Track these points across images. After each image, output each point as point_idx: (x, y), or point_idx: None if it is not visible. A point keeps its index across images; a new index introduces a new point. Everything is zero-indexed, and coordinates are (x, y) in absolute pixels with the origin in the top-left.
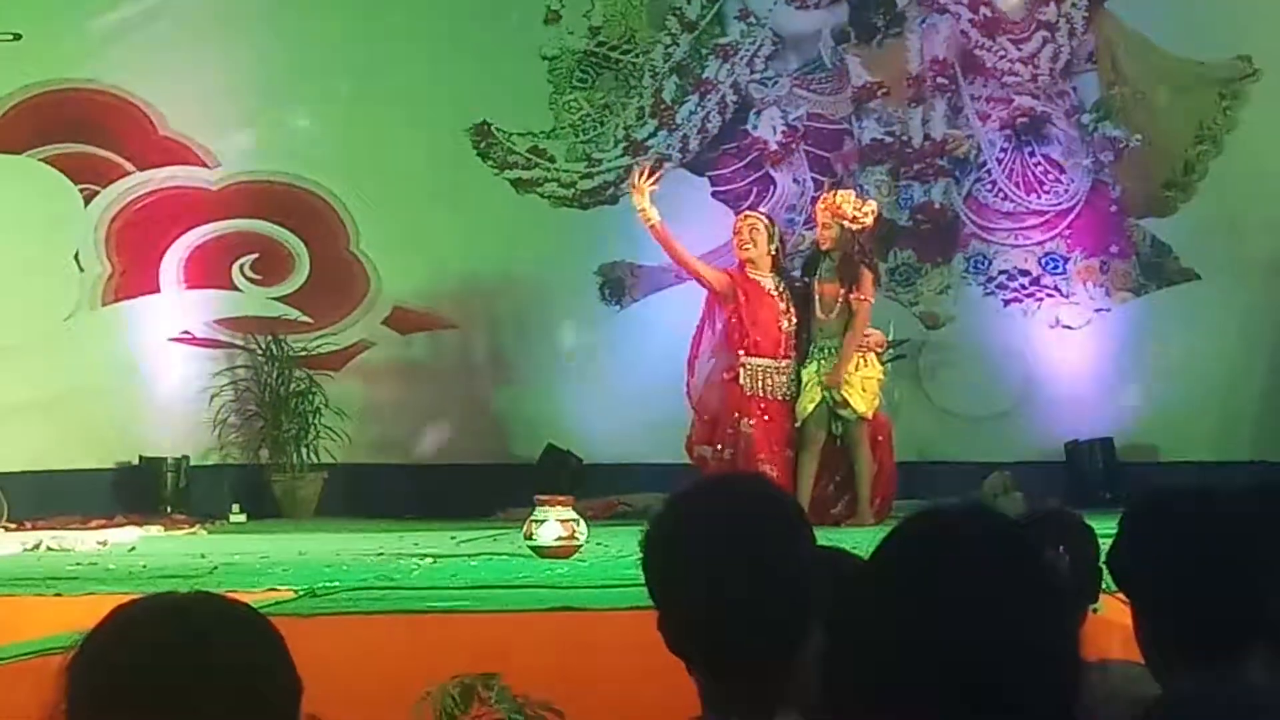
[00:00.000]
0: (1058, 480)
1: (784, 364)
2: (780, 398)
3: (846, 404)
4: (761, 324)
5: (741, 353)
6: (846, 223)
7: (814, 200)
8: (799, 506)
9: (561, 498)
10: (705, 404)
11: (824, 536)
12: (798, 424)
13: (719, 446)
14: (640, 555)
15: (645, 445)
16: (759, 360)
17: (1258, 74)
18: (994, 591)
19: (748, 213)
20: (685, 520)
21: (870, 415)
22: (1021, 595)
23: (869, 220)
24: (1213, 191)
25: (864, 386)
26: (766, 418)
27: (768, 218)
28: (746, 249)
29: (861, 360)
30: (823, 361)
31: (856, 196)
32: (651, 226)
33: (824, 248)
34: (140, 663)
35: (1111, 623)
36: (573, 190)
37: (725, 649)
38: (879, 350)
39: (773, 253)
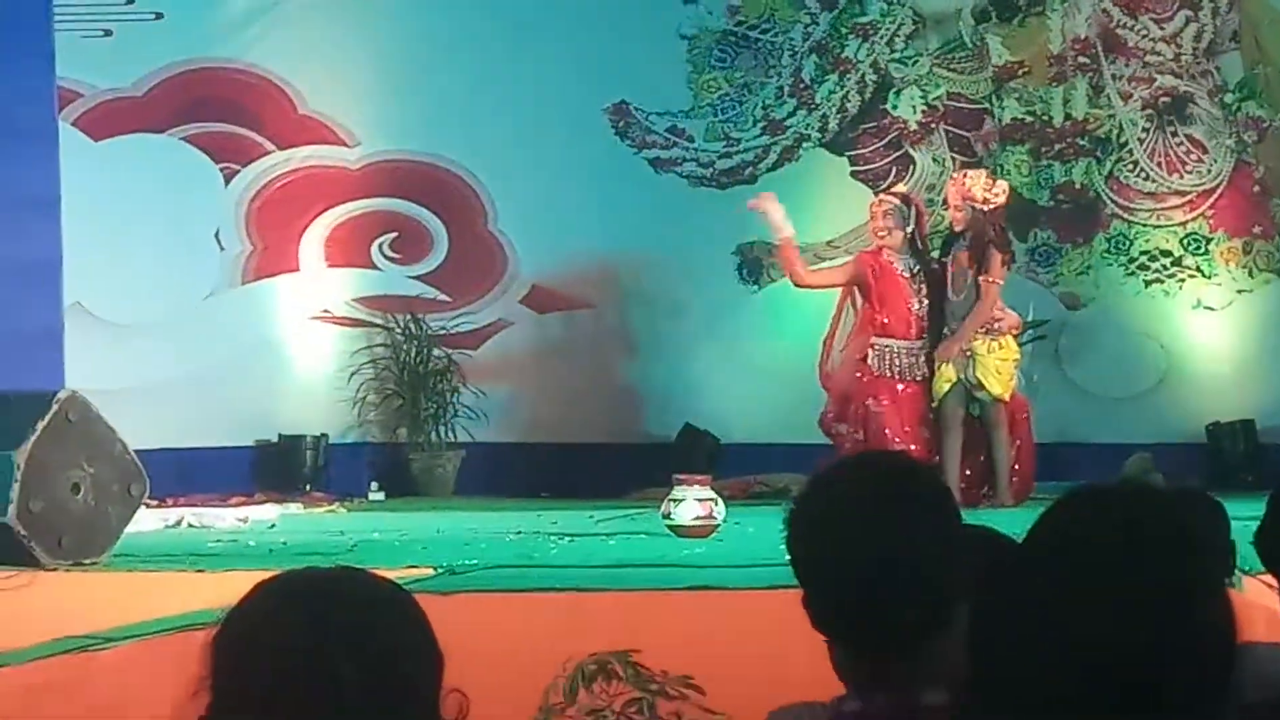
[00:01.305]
0: (1199, 462)
1: (915, 345)
2: (913, 378)
3: (982, 386)
4: (891, 304)
5: (872, 334)
6: (976, 204)
7: (951, 180)
8: (944, 484)
9: (699, 477)
10: (837, 383)
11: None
12: (934, 404)
13: (850, 427)
14: (784, 533)
15: (782, 425)
16: (887, 341)
17: None
18: (1156, 575)
19: (882, 196)
20: (831, 498)
21: (1007, 397)
22: (1182, 578)
23: (1000, 200)
24: None
25: (999, 369)
26: (896, 398)
27: (903, 198)
28: (882, 235)
29: (997, 343)
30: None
31: (987, 177)
32: (785, 241)
33: (956, 229)
34: (285, 637)
35: (1252, 604)
36: (711, 170)
37: (871, 627)
38: (1015, 332)
39: (909, 233)
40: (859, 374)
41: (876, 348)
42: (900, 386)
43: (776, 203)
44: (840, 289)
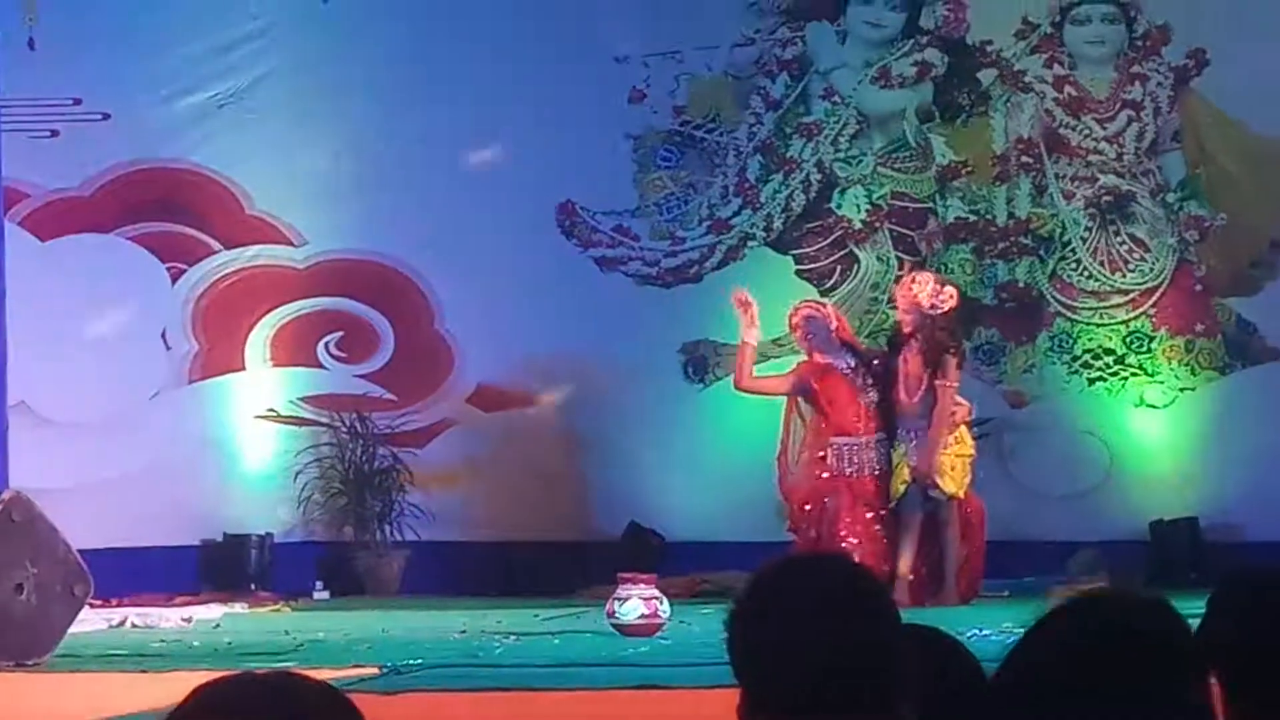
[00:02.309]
0: (1142, 560)
1: (870, 440)
2: (869, 474)
3: (936, 485)
4: (839, 405)
5: (829, 435)
6: (925, 311)
7: (898, 279)
8: (883, 585)
9: (644, 576)
10: (798, 491)
11: (909, 616)
12: (893, 504)
13: (805, 526)
14: (725, 633)
15: (728, 523)
16: (844, 439)
17: None
18: (1152, 669)
19: (795, 305)
20: (769, 597)
21: (961, 494)
22: (1183, 686)
23: (948, 306)
24: None
25: (953, 466)
26: (853, 496)
27: (816, 303)
28: (806, 343)
29: (953, 437)
30: (908, 445)
31: (935, 282)
32: (745, 345)
33: (905, 331)
34: None
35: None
36: (657, 269)
37: None
38: (968, 420)
39: (835, 331)
40: (819, 473)
41: (835, 446)
42: (856, 482)
43: (754, 304)
44: (786, 401)
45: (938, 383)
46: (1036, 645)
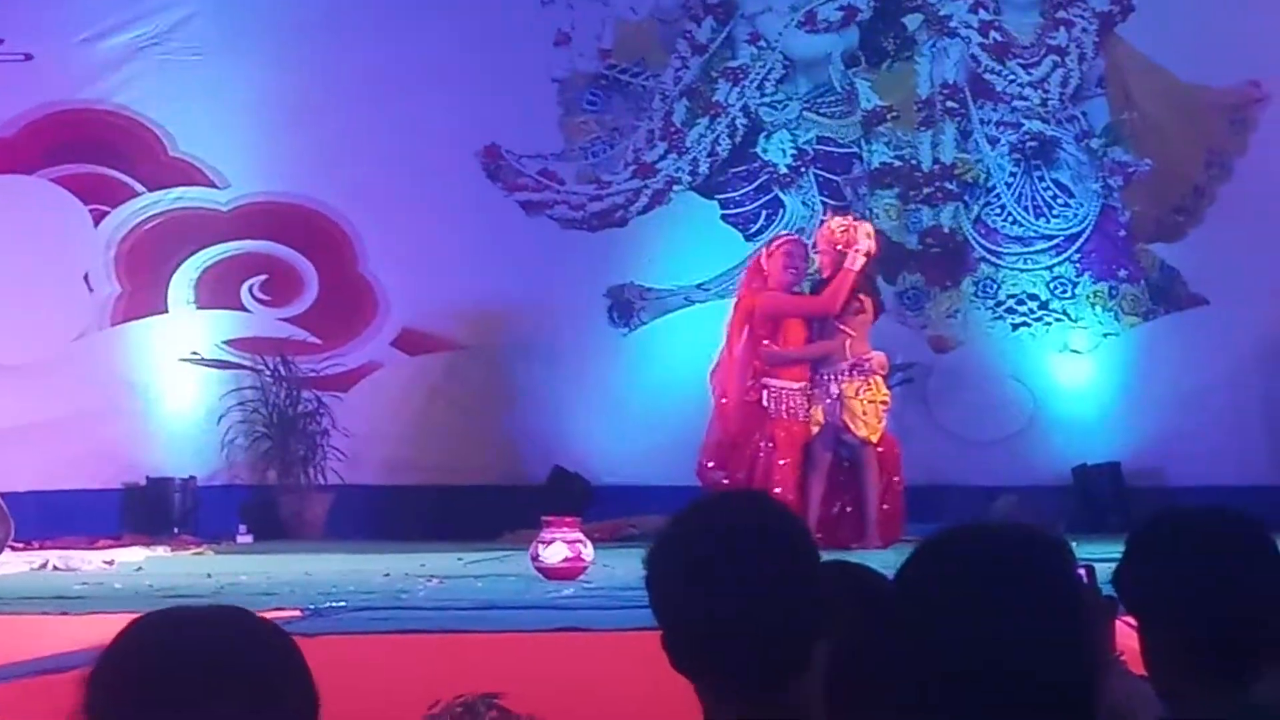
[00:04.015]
0: (1066, 504)
1: (805, 385)
2: (802, 418)
3: (849, 429)
4: (790, 343)
5: (764, 375)
6: (842, 248)
7: (821, 224)
8: (803, 524)
9: (568, 519)
10: (727, 422)
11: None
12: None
13: (733, 470)
14: (644, 573)
15: (653, 467)
16: (782, 382)
17: (1267, 98)
18: (1031, 605)
19: (793, 238)
20: (687, 538)
21: (875, 440)
22: (1056, 608)
23: (866, 246)
24: (1222, 216)
25: (865, 412)
26: (787, 439)
27: (794, 238)
28: (787, 275)
29: (865, 384)
30: (822, 388)
31: (854, 222)
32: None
33: (824, 275)
34: (163, 673)
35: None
36: (582, 212)
37: (730, 667)
38: (883, 372)
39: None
40: (749, 415)
41: (772, 389)
42: (789, 426)
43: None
44: (733, 320)
45: (842, 328)
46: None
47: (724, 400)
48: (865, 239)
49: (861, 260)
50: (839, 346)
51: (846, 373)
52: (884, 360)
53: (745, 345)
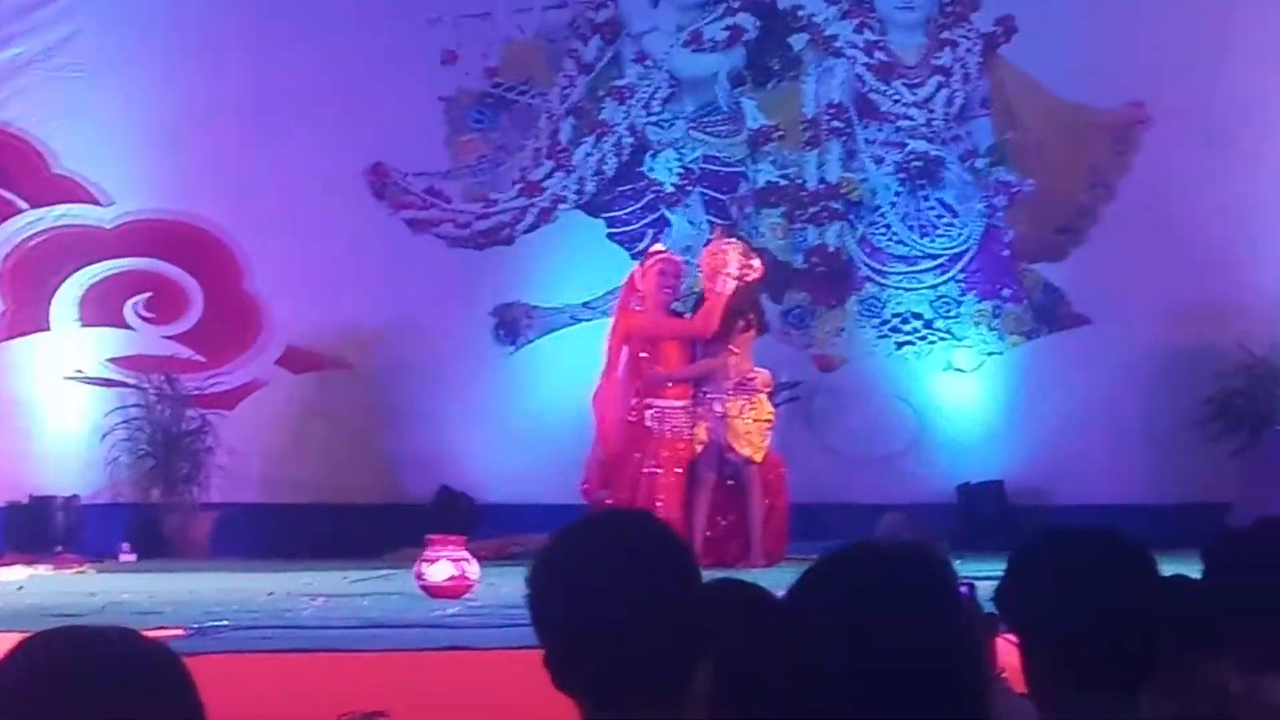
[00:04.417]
0: (950, 523)
1: (687, 403)
2: (686, 437)
3: (732, 448)
4: (670, 365)
5: (646, 394)
6: (731, 277)
7: (707, 243)
8: (684, 543)
9: (453, 538)
10: (609, 444)
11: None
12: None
13: (615, 490)
14: (526, 591)
15: (539, 486)
16: (665, 401)
17: (1150, 120)
18: (914, 623)
19: (667, 255)
20: (568, 557)
21: (758, 459)
22: (939, 625)
23: (754, 276)
24: (1104, 236)
25: (749, 431)
26: (672, 459)
27: (668, 256)
28: (666, 292)
29: (749, 404)
30: (706, 406)
31: (744, 250)
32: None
33: (707, 296)
34: (52, 693)
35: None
36: (468, 231)
37: (609, 685)
38: (767, 390)
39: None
40: (632, 435)
41: (654, 408)
42: (672, 445)
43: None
44: (612, 340)
45: (728, 348)
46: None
47: (606, 420)
48: (735, 263)
49: (731, 284)
50: (722, 364)
51: (730, 392)
52: (768, 378)
53: (627, 365)
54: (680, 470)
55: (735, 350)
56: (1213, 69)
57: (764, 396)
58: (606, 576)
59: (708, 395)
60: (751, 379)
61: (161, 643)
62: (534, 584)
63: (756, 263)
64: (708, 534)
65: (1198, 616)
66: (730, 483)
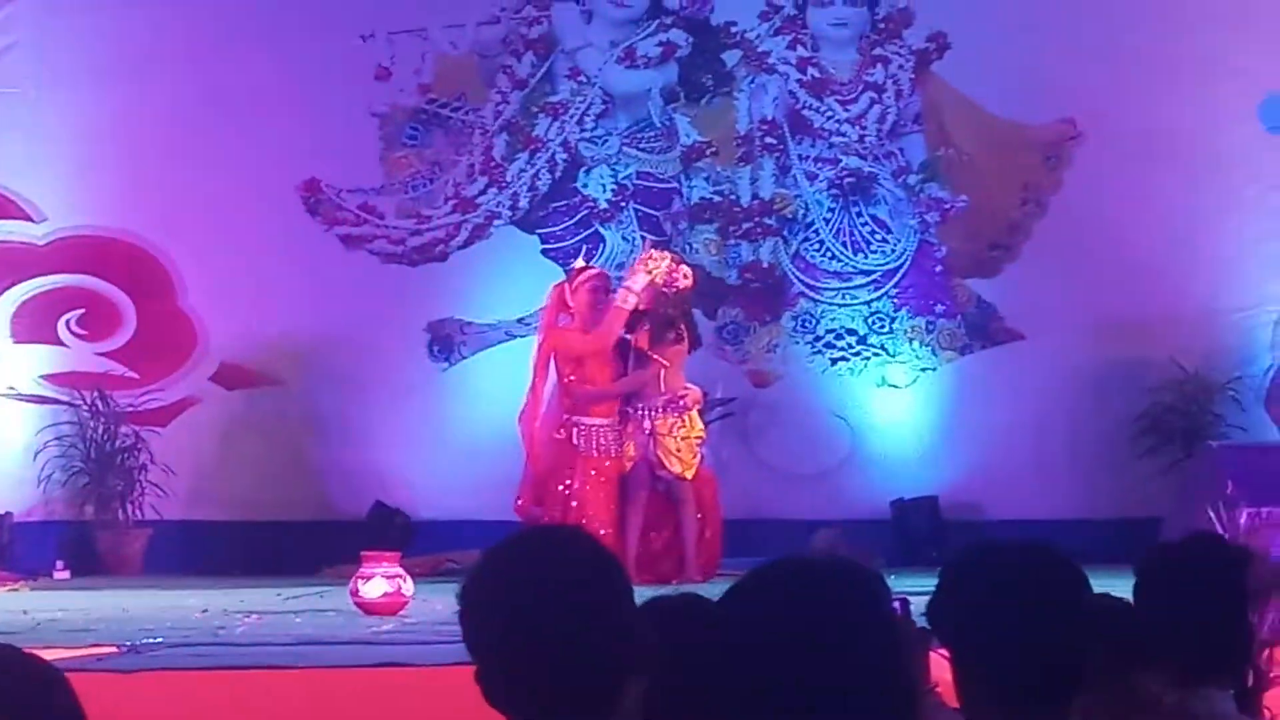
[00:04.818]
0: (884, 538)
1: (615, 421)
2: (615, 455)
3: (663, 465)
4: (600, 384)
5: (575, 413)
6: (660, 287)
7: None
8: (615, 560)
9: (387, 554)
10: (537, 462)
11: (652, 593)
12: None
13: (548, 506)
14: (458, 608)
15: (473, 502)
16: (591, 420)
17: (1080, 136)
18: (846, 638)
19: (597, 271)
20: (499, 574)
21: (689, 475)
22: (871, 641)
23: (685, 285)
24: (1037, 252)
25: (679, 449)
26: (599, 477)
27: (605, 274)
28: (599, 310)
29: (679, 421)
30: (637, 422)
31: (673, 260)
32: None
33: (640, 309)
34: None
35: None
36: (402, 247)
37: (541, 702)
38: (698, 407)
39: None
40: (560, 453)
41: (581, 427)
42: (601, 464)
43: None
44: (539, 357)
45: (659, 361)
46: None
47: (534, 439)
48: (643, 276)
49: (633, 299)
50: (653, 377)
51: (660, 409)
52: (699, 395)
53: (555, 383)
54: (610, 488)
55: (665, 363)
56: (1143, 84)
57: (695, 414)
58: (537, 593)
59: (638, 411)
60: (683, 396)
61: (47, 662)
62: (465, 601)
63: (686, 269)
64: (642, 551)
65: (1129, 631)
66: (664, 499)
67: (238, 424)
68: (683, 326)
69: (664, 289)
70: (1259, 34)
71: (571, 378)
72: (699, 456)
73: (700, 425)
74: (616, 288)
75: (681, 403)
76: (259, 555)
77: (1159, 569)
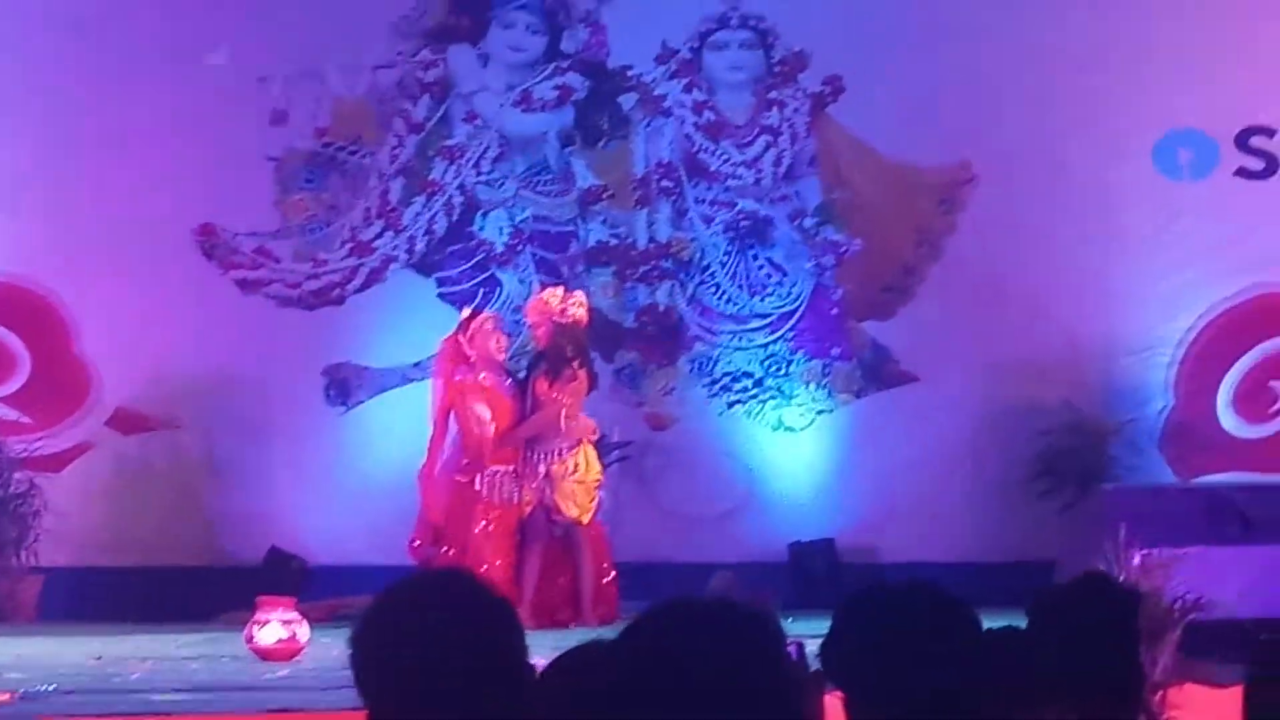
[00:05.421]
0: (781, 581)
1: (513, 467)
2: (512, 501)
3: (559, 510)
4: (500, 429)
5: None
6: (555, 318)
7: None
8: (506, 604)
9: (283, 600)
10: (435, 506)
11: (550, 638)
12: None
13: (445, 549)
14: (349, 653)
15: (370, 546)
16: (494, 466)
17: (975, 179)
18: (738, 675)
19: (492, 315)
20: (389, 618)
21: (585, 520)
22: (765, 683)
23: (577, 314)
24: (931, 295)
25: (575, 493)
26: (498, 523)
27: (499, 317)
28: (501, 353)
29: (575, 462)
30: (532, 467)
31: (565, 291)
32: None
33: (540, 347)
34: None
35: None
36: (299, 291)
37: None
38: (593, 438)
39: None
40: (460, 498)
41: (483, 473)
42: (499, 509)
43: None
44: (438, 410)
45: (558, 398)
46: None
47: (435, 484)
48: (559, 302)
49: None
50: (554, 418)
51: (558, 452)
52: (592, 426)
53: (455, 430)
54: (508, 534)
55: (565, 400)
56: (1037, 126)
57: (593, 455)
58: (427, 637)
59: (535, 456)
60: (579, 438)
61: None
62: (356, 646)
63: (579, 297)
64: (540, 596)
65: (1022, 670)
66: (561, 544)
67: (133, 469)
68: (576, 361)
69: (557, 319)
70: (1153, 75)
71: (475, 423)
72: (596, 500)
73: (598, 468)
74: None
75: (579, 443)
76: (154, 601)
77: (1050, 611)
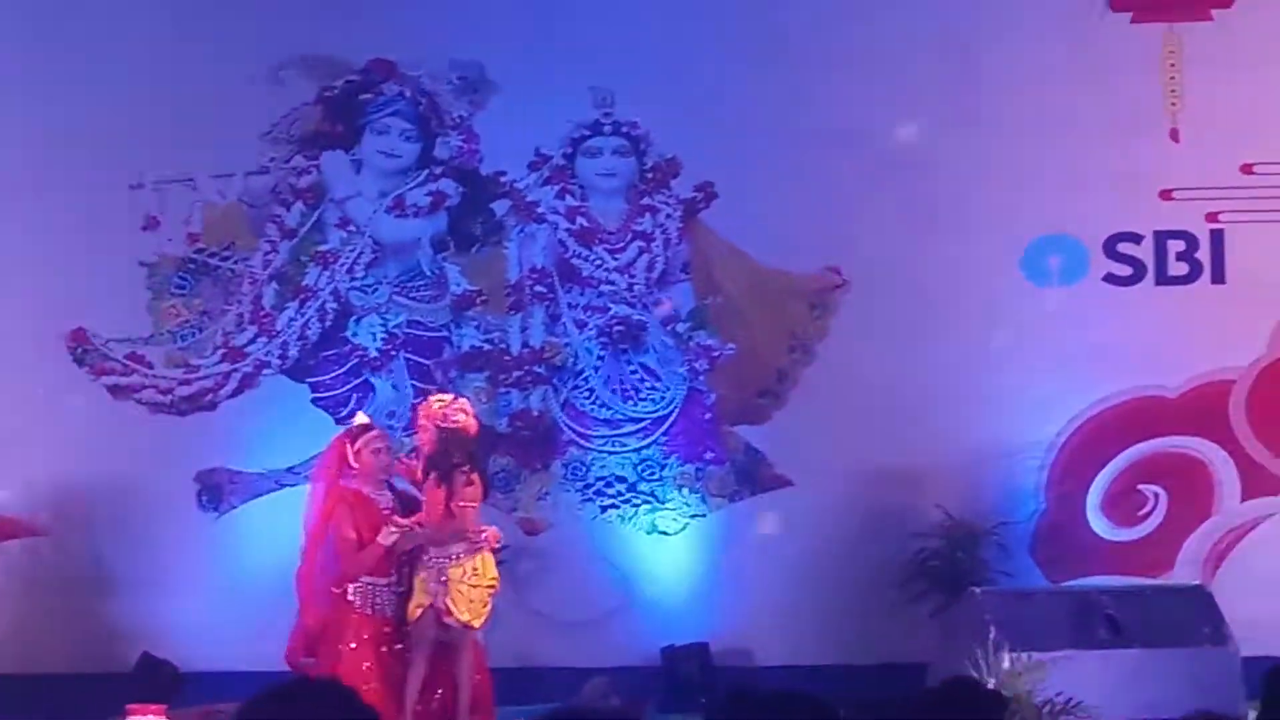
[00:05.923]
0: (655, 685)
1: (393, 580)
2: (389, 614)
3: (451, 612)
4: (367, 544)
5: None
6: (438, 423)
7: (414, 407)
8: (372, 711)
9: (154, 706)
10: (310, 612)
11: None
12: (406, 628)
13: (316, 659)
14: None
15: (243, 652)
16: (371, 579)
17: (846, 284)
18: None
19: (378, 431)
20: None
21: (477, 624)
22: None
23: (459, 420)
24: (804, 399)
25: (470, 595)
26: (373, 637)
27: (385, 432)
28: (387, 468)
29: (473, 566)
30: (428, 570)
31: (452, 397)
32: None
33: (426, 452)
34: None
35: None
36: (171, 396)
37: None
38: (496, 546)
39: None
40: (335, 611)
41: (361, 585)
42: (376, 624)
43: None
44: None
45: (454, 505)
46: None
47: (312, 592)
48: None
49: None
50: (444, 526)
51: (457, 556)
52: (496, 534)
53: (333, 538)
54: (384, 646)
55: (467, 503)
56: (907, 233)
57: (490, 561)
58: None
59: (433, 559)
60: (481, 538)
61: None
62: None
63: (464, 404)
64: (421, 707)
65: None
66: (445, 650)
67: (2, 576)
68: (467, 467)
69: (440, 424)
70: (1019, 183)
71: (353, 534)
72: (489, 606)
73: (494, 573)
74: (394, 445)
75: (477, 546)
76: (24, 710)
77: (919, 715)
